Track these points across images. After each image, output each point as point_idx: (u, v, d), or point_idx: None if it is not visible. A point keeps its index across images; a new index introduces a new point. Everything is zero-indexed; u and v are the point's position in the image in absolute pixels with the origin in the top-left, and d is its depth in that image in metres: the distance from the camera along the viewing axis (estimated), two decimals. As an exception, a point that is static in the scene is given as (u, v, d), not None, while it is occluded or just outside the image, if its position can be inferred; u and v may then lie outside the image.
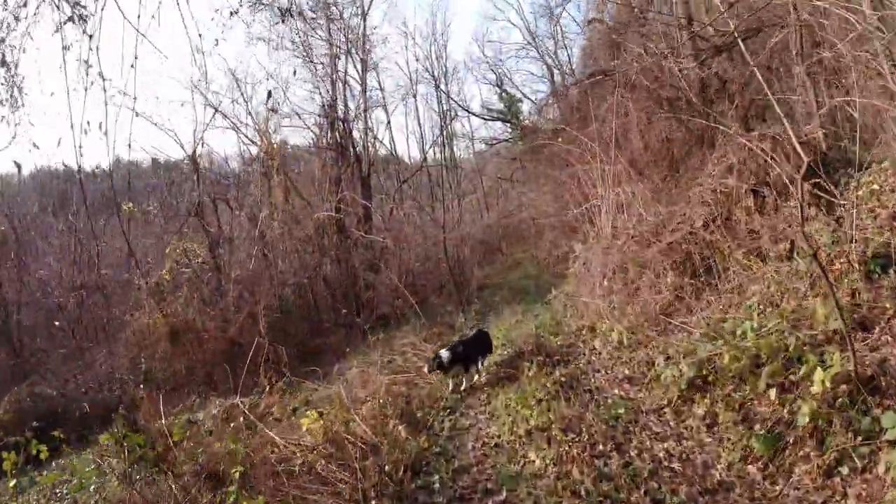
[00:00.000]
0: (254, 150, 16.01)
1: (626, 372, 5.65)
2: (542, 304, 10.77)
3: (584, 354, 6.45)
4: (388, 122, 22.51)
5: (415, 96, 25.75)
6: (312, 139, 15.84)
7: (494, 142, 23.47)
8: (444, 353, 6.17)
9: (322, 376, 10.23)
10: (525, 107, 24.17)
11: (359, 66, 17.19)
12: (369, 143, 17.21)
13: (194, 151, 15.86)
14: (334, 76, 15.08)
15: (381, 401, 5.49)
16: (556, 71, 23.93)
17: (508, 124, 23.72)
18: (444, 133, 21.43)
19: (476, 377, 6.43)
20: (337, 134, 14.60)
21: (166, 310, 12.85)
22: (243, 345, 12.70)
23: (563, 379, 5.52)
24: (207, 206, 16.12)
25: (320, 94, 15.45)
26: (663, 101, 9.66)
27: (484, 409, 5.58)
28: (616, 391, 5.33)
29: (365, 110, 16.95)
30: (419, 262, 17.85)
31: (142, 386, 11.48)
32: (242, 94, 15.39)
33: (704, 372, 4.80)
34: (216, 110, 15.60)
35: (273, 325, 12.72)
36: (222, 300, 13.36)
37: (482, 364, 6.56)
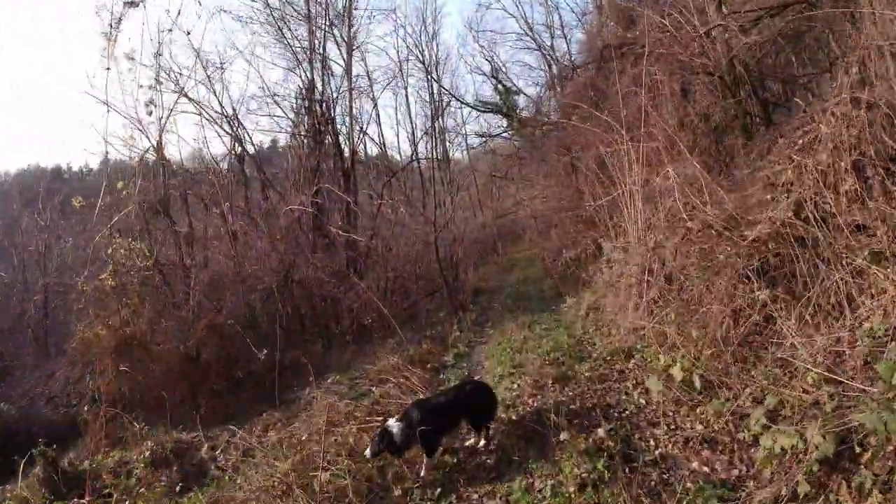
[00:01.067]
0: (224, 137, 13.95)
1: (701, 429, 3.75)
2: (550, 313, 8.90)
3: (629, 396, 4.54)
4: (376, 111, 20.54)
5: (406, 89, 23.85)
6: (289, 126, 13.88)
7: (490, 135, 21.61)
8: (395, 426, 4.04)
9: (289, 402, 8.34)
10: (521, 100, 22.38)
11: (343, 50, 15.23)
12: (354, 134, 15.28)
13: (159, 141, 13.86)
14: (312, 55, 13.11)
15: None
16: (553, 62, 22.16)
17: (504, 117, 21.87)
18: (435, 124, 19.60)
19: (477, 441, 4.35)
20: (315, 119, 12.61)
21: (109, 320, 10.72)
22: (202, 361, 10.66)
23: (610, 443, 3.61)
24: (176, 202, 14.16)
25: (297, 75, 13.50)
26: (700, 71, 7.83)
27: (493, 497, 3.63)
28: (694, 464, 3.44)
29: (350, 97, 14.99)
30: (409, 263, 15.88)
31: (87, 408, 9.60)
32: (208, 76, 13.35)
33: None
34: (180, 93, 13.54)
35: (238, 337, 10.71)
36: (182, 308, 11.34)
37: (483, 434, 4.35)
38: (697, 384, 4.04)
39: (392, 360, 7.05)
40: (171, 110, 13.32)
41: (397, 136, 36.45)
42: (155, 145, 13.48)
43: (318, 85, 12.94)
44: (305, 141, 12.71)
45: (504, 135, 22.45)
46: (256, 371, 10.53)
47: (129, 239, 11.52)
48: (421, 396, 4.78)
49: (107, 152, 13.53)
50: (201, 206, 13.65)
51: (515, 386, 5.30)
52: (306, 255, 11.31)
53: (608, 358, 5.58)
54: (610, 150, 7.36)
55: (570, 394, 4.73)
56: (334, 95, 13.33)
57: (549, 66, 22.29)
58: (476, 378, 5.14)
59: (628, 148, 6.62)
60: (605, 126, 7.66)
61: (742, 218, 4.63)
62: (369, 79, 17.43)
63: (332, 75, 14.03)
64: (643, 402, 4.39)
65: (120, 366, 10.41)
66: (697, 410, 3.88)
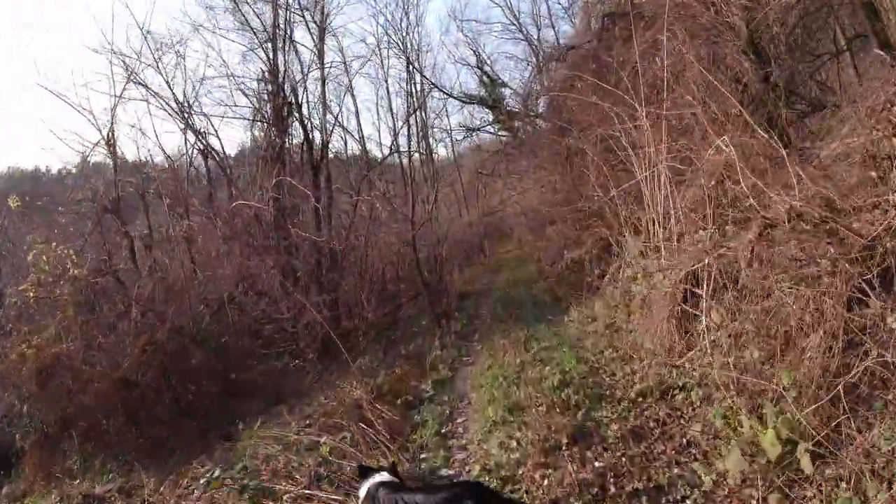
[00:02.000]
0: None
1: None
2: (547, 326, 7.35)
3: (685, 469, 2.99)
4: (354, 103, 18.85)
5: (386, 81, 22.13)
6: (250, 113, 12.10)
7: (475, 129, 20.08)
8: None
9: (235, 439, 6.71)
10: (507, 93, 20.83)
11: (315, 36, 13.47)
12: (327, 124, 13.56)
13: (111, 132, 12.05)
14: (275, 32, 11.35)
15: None
16: (541, 52, 20.65)
17: (489, 109, 20.33)
18: (417, 115, 17.99)
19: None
20: (278, 102, 10.87)
21: (32, 339, 8.89)
22: (140, 385, 8.86)
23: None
24: (130, 202, 12.37)
25: (260, 57, 11.73)
26: (727, 34, 6.34)
27: None
28: None
29: (323, 85, 13.23)
30: (391, 264, 14.24)
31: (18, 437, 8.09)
32: (155, 58, 11.50)
33: None
34: (128, 78, 11.68)
35: (181, 357, 9.01)
36: (120, 323, 9.57)
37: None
38: (807, 464, 2.50)
39: (356, 393, 5.42)
40: (119, 97, 11.49)
41: (378, 130, 34.53)
42: (105, 138, 11.64)
43: (282, 66, 11.21)
44: (267, 128, 10.97)
45: (489, 128, 20.88)
46: (207, 393, 8.86)
47: (54, 244, 9.61)
48: (383, 466, 3.17)
49: (88, 152, 11.73)
50: (163, 207, 11.87)
51: (514, 444, 3.69)
52: (264, 261, 9.61)
53: (637, 399, 4.03)
54: (622, 127, 5.82)
55: (598, 464, 3.15)
56: (304, 80, 11.60)
57: (537, 56, 20.80)
58: (473, 479, 3.36)
59: (659, 117, 5.08)
60: (616, 100, 6.13)
61: (840, 206, 3.11)
62: (346, 67, 15.70)
63: (300, 59, 12.30)
64: (710, 481, 2.84)
65: (46, 390, 8.62)
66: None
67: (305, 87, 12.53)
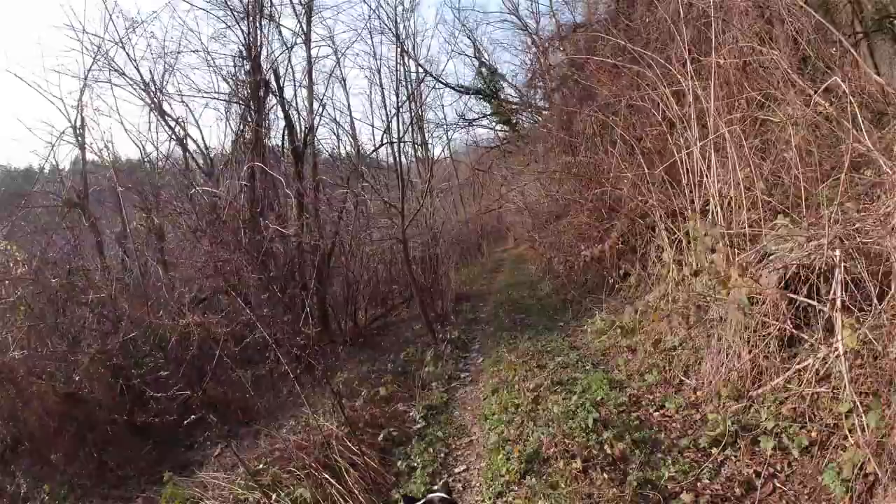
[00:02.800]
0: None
1: None
2: (560, 334, 6.12)
3: None
4: (343, 84, 17.60)
5: (378, 72, 20.84)
6: (228, 96, 10.78)
7: (472, 121, 18.88)
8: None
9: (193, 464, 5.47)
10: (505, 85, 19.59)
11: (303, 19, 12.16)
12: (315, 110, 12.28)
13: (78, 119, 10.79)
14: (250, 5, 10.06)
15: None
16: (540, 43, 19.43)
17: (486, 100, 19.11)
18: (411, 105, 16.70)
19: None
20: (258, 79, 9.57)
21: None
22: (87, 403, 7.59)
23: None
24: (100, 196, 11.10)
25: (236, 34, 10.44)
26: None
27: None
28: None
29: (310, 68, 11.93)
30: (384, 264, 13.00)
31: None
32: (123, 38, 10.16)
33: None
34: (95, 57, 10.35)
35: (138, 368, 7.79)
36: (70, 331, 8.29)
37: None
38: None
39: (325, 427, 4.17)
40: (86, 79, 10.17)
41: (372, 125, 33.13)
42: (73, 125, 10.33)
43: (261, 40, 9.92)
44: (244, 110, 9.67)
45: (486, 121, 19.69)
46: (166, 411, 7.57)
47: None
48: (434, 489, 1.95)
49: (55, 142, 10.41)
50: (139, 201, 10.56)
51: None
52: (235, 259, 8.34)
53: (709, 449, 2.83)
54: (659, 92, 4.59)
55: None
56: (288, 61, 10.33)
57: (537, 47, 19.58)
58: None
59: (711, 67, 3.87)
60: (646, 65, 4.92)
61: None
62: (334, 49, 14.28)
63: (283, 38, 11.02)
64: None
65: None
66: None
67: (291, 69, 11.26)
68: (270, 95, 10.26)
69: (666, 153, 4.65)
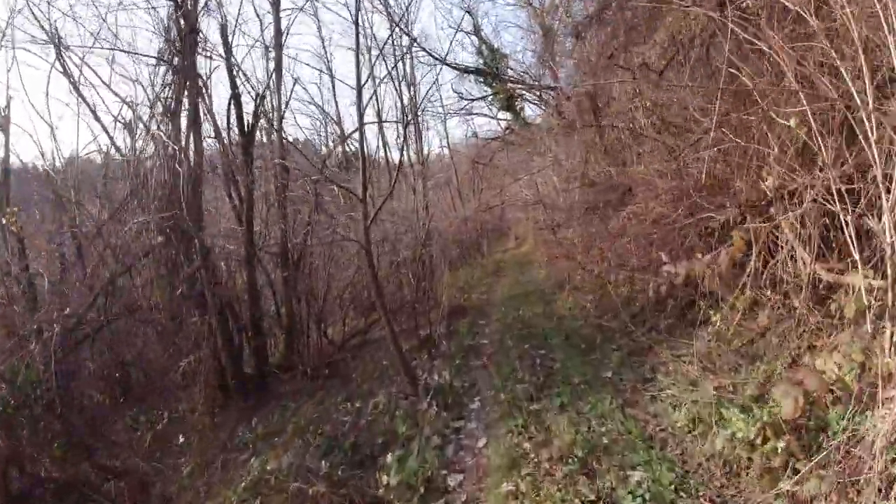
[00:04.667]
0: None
1: None
2: (617, 402, 3.61)
3: None
4: (326, 58, 15.06)
5: (368, 50, 18.21)
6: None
7: (473, 99, 16.35)
8: None
9: None
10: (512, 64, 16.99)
11: None
12: (273, 81, 9.73)
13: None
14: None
15: None
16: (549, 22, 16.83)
17: (488, 85, 16.55)
18: (401, 85, 14.14)
19: None
20: (187, 26, 6.98)
21: None
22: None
23: None
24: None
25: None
26: None
27: None
28: None
29: (277, 27, 9.29)
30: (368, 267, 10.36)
31: None
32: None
33: None
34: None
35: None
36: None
37: None
38: None
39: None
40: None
41: (359, 107, 30.56)
42: None
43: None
44: (165, 70, 7.09)
45: (488, 106, 17.15)
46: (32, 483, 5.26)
47: None
48: None
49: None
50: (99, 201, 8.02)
51: None
52: (136, 269, 5.81)
53: None
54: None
55: None
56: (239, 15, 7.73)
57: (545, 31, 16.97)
58: None
59: None
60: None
61: None
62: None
63: None
64: None
65: None
66: None
67: (239, 31, 8.65)
68: (215, 57, 7.70)
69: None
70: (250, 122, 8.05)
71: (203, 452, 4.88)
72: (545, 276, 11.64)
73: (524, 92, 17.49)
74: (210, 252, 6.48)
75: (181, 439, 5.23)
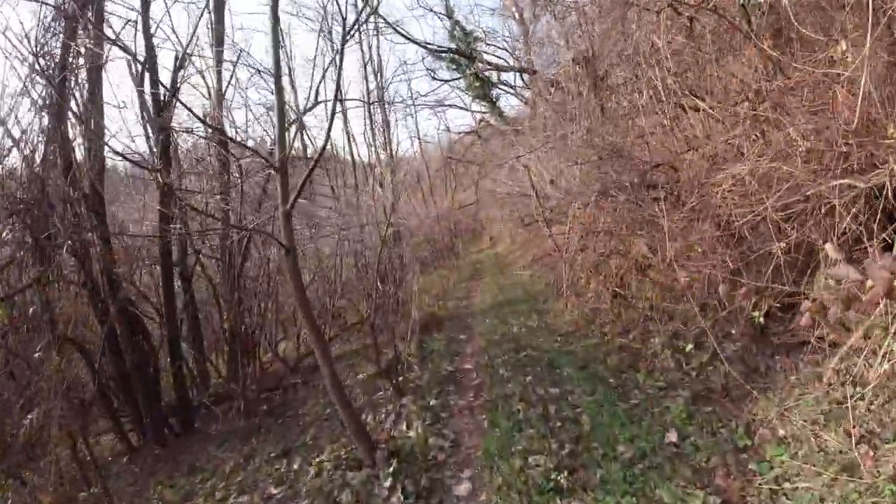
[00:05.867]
0: None
1: None
2: (696, 490, 2.12)
3: None
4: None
5: (330, 32, 16.35)
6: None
7: (446, 81, 14.77)
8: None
9: None
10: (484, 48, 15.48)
11: None
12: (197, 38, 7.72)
13: None
14: None
15: None
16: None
17: (459, 61, 15.00)
18: (368, 65, 12.34)
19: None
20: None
21: None
22: None
23: None
24: None
25: None
26: None
27: None
28: None
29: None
30: (328, 283, 8.42)
31: None
32: None
33: None
34: None
35: None
36: None
37: None
38: None
39: None
40: None
41: (324, 85, 28.48)
42: None
43: None
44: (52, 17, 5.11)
45: (460, 101, 15.66)
46: None
47: None
48: None
49: None
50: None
51: None
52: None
53: None
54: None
55: None
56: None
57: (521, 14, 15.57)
58: None
59: None
60: None
61: None
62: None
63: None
64: None
65: None
66: None
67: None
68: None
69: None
70: (166, 98, 6.10)
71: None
72: (530, 279, 10.13)
73: (500, 81, 16.09)
74: (86, 258, 4.57)
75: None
